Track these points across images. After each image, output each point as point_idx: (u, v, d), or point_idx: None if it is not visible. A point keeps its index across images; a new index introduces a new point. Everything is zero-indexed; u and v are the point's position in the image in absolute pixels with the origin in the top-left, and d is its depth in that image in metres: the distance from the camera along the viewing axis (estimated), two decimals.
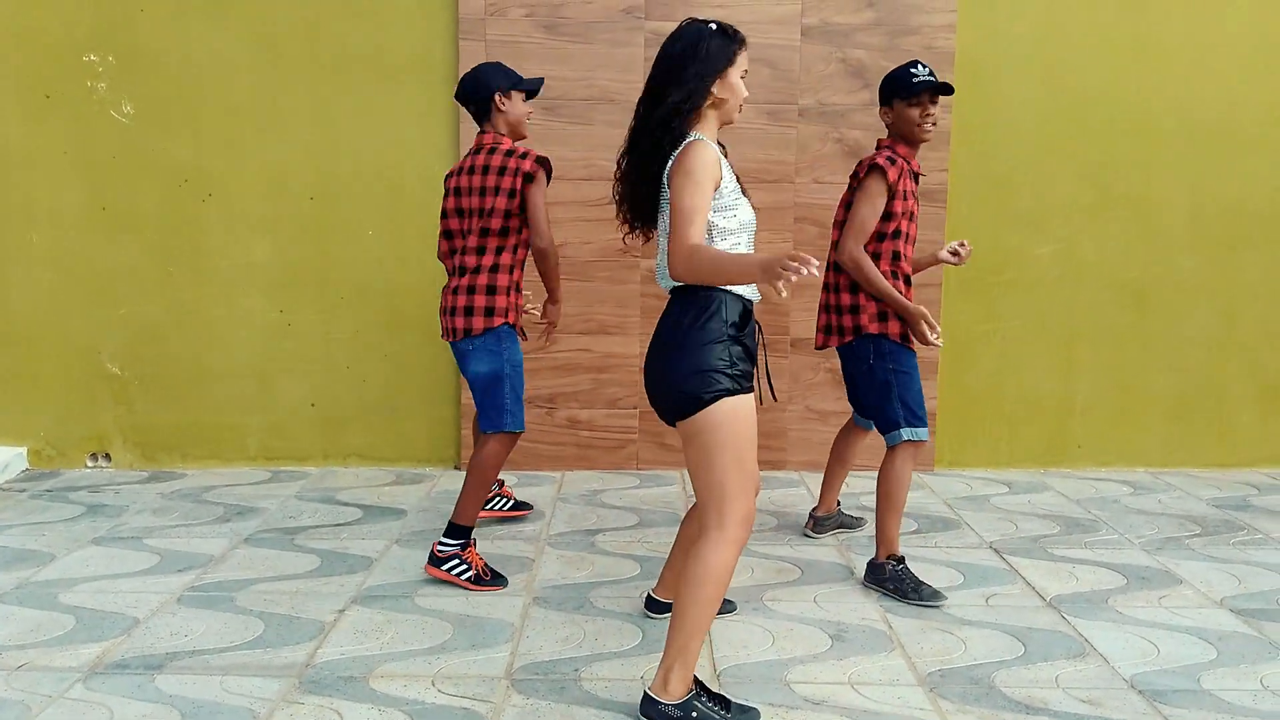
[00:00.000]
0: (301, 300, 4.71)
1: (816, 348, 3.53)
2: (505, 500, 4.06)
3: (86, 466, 4.77)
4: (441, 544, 3.34)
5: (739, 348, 2.43)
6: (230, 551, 3.63)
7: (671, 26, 4.92)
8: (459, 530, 3.34)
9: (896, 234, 3.30)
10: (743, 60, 2.51)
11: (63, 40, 4.52)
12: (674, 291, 2.49)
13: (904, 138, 3.33)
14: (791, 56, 4.60)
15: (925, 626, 3.04)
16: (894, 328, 3.30)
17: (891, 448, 3.32)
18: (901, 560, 3.30)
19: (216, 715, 2.47)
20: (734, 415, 2.38)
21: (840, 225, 3.39)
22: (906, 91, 3.26)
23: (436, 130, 4.62)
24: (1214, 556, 3.70)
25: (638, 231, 2.65)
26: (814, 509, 3.91)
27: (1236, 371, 4.95)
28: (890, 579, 3.27)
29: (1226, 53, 4.77)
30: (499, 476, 3.79)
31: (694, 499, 2.60)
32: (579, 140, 4.64)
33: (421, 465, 4.81)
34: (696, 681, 2.43)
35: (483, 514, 3.93)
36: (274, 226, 4.67)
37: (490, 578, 3.31)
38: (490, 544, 3.74)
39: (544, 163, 3.36)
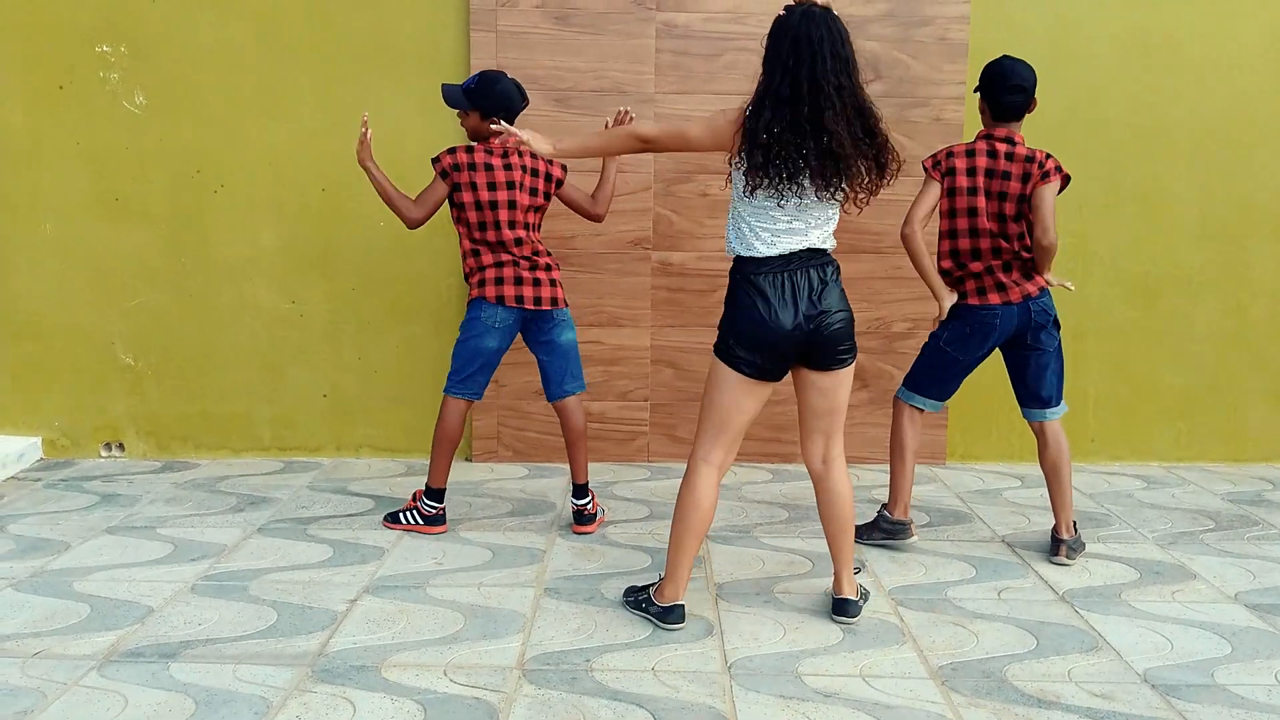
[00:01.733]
0: (312, 290, 4.72)
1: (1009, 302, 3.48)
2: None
3: (100, 456, 4.79)
4: (584, 504, 3.76)
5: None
6: (243, 541, 3.65)
7: (682, 18, 4.93)
8: (585, 486, 3.80)
9: None
10: None
11: (75, 31, 4.53)
12: (828, 254, 2.91)
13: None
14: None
15: (937, 619, 3.03)
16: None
17: (1058, 421, 3.59)
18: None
19: (230, 703, 2.48)
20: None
21: (1006, 216, 3.45)
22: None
23: (445, 121, 4.59)
24: (1228, 551, 3.68)
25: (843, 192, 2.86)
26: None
27: (1247, 367, 4.92)
28: (1081, 543, 3.59)
29: (1238, 48, 4.73)
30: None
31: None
32: (590, 131, 4.62)
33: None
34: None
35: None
36: (284, 216, 4.67)
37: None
38: (501, 535, 3.75)
39: (436, 161, 3.65)
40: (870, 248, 4.68)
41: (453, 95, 3.65)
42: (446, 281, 4.69)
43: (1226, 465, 4.92)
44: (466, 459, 4.82)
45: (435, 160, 3.65)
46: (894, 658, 2.78)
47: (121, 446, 4.79)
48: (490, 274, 3.63)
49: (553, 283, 3.70)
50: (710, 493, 2.92)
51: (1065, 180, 3.46)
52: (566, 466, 4.68)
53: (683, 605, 2.95)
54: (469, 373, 3.68)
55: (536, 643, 2.84)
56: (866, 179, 2.83)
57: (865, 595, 3.09)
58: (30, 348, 4.71)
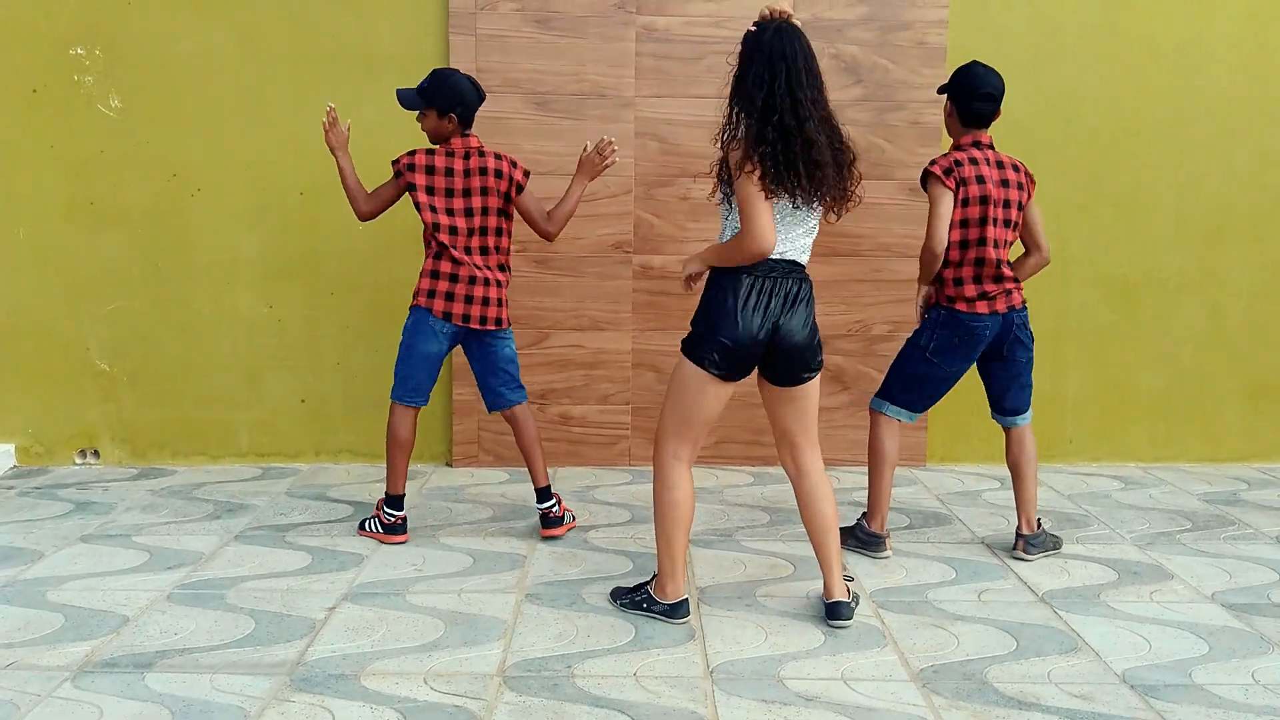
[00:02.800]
0: (291, 296, 4.68)
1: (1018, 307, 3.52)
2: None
3: (75, 463, 4.74)
4: (550, 506, 3.73)
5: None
6: (220, 549, 3.61)
7: (662, 21, 4.94)
8: (549, 490, 3.77)
9: None
10: None
11: (49, 33, 4.48)
12: (802, 269, 2.93)
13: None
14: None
15: (918, 622, 3.04)
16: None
17: (1027, 425, 3.63)
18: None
19: (207, 714, 2.45)
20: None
21: (1009, 224, 3.50)
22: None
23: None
24: (1205, 551, 3.71)
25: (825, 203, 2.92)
26: (869, 522, 3.65)
27: (1224, 368, 4.97)
28: (1049, 537, 3.64)
29: (1214, 51, 4.78)
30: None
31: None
32: (570, 135, 4.62)
33: (413, 462, 4.77)
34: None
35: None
36: (263, 221, 4.64)
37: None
38: (482, 540, 3.73)
39: (395, 161, 3.63)
40: (849, 250, 4.70)
41: (406, 96, 3.58)
42: None
43: (1203, 466, 4.96)
44: (447, 464, 4.80)
45: (395, 160, 3.62)
46: (875, 660, 2.78)
47: (96, 453, 4.74)
48: (442, 286, 3.58)
49: (500, 302, 3.65)
50: (689, 487, 2.99)
51: (1032, 181, 3.60)
52: (549, 471, 4.66)
53: (687, 599, 3.01)
54: (414, 379, 3.63)
55: (518, 649, 2.82)
56: (838, 189, 2.88)
57: (856, 598, 3.09)
58: (3, 354, 4.65)
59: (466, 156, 3.58)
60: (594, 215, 4.67)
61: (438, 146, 3.62)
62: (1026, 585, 3.35)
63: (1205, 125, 4.82)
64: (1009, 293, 3.48)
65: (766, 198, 2.78)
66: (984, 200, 3.42)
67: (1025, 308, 3.54)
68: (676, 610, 2.99)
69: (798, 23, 2.86)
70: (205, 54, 4.53)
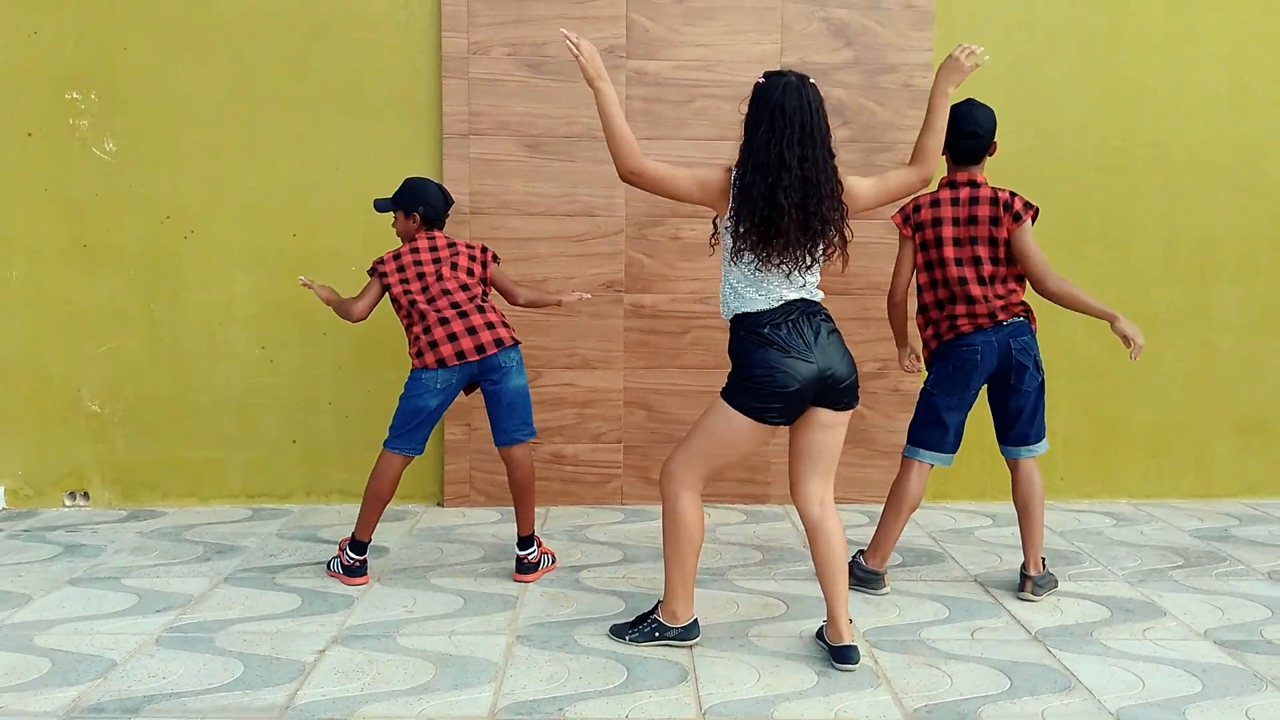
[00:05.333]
0: (283, 336, 4.70)
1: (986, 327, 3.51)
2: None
3: (64, 505, 4.71)
4: (526, 554, 3.72)
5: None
6: (210, 591, 3.59)
7: (653, 65, 5.02)
8: (530, 538, 3.74)
9: None
10: None
11: (45, 77, 4.53)
12: (817, 304, 2.98)
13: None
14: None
15: (911, 661, 3.03)
16: None
17: (1034, 460, 3.60)
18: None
19: None
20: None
21: (981, 259, 3.49)
22: None
23: (418, 166, 4.64)
24: (1197, 588, 3.71)
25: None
26: (871, 557, 3.64)
27: (1213, 404, 5.00)
28: (1054, 578, 3.63)
29: (1199, 91, 4.86)
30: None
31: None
32: (562, 176, 4.67)
33: (404, 502, 4.78)
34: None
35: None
36: (255, 262, 4.66)
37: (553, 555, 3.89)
38: (473, 581, 3.71)
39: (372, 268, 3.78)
40: (840, 289, 4.73)
41: (380, 203, 3.87)
42: None
43: (1194, 501, 4.97)
44: (438, 504, 4.78)
45: (371, 267, 3.78)
46: (869, 701, 2.77)
47: (86, 495, 4.72)
48: (424, 340, 3.62)
49: (489, 325, 3.65)
50: (699, 514, 3.07)
51: (1035, 213, 3.52)
52: (542, 510, 4.67)
53: (698, 618, 3.12)
54: (409, 429, 3.65)
55: (509, 692, 2.80)
56: (798, 255, 2.91)
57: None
58: None
59: (433, 245, 3.76)
60: (586, 255, 4.70)
61: (404, 245, 3.79)
62: (1020, 624, 3.34)
63: (1190, 163, 4.89)
64: (994, 312, 3.49)
65: (737, 254, 2.93)
66: (939, 242, 3.50)
67: (1027, 329, 3.54)
68: (689, 632, 3.09)
69: (806, 75, 2.94)
70: (199, 98, 4.58)
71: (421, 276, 3.69)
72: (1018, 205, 3.49)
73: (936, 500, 4.90)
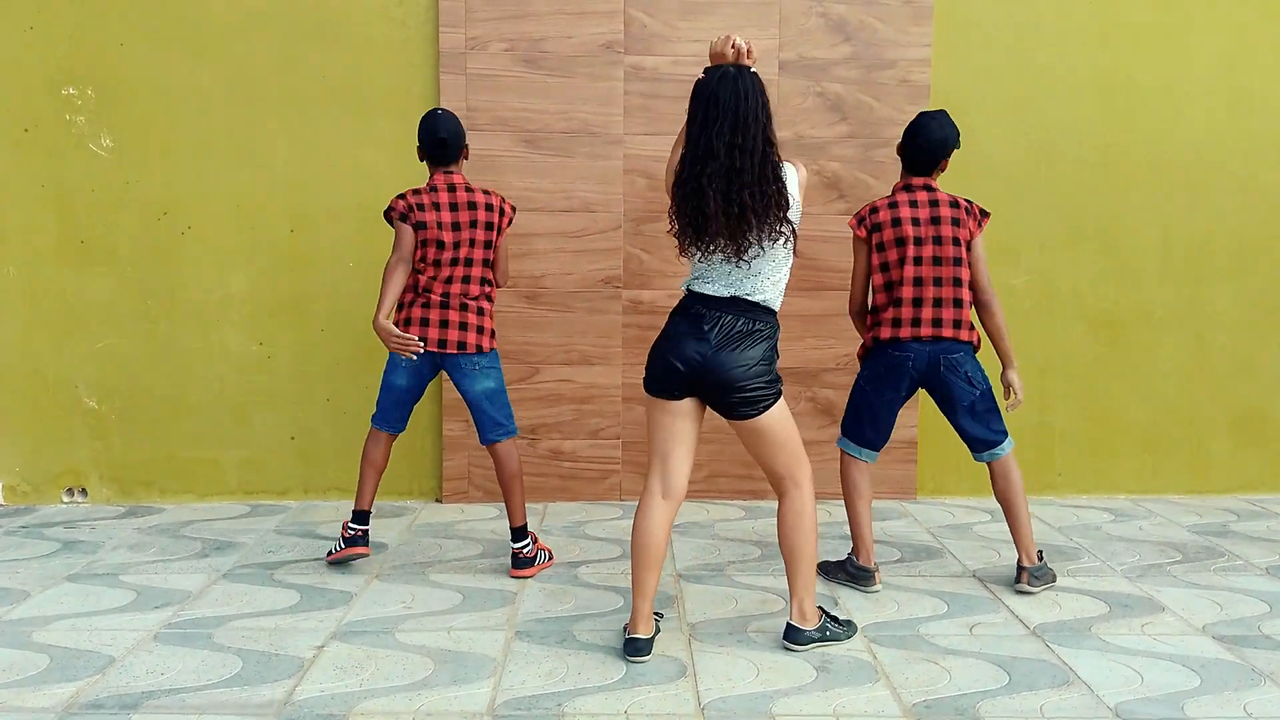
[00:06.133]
0: (280, 332, 4.69)
1: (929, 337, 3.53)
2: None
3: (62, 502, 4.70)
4: (520, 548, 3.72)
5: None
6: (208, 587, 3.58)
7: (650, 61, 5.02)
8: (524, 530, 3.75)
9: None
10: None
11: (42, 74, 4.52)
12: (757, 307, 2.94)
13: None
14: (769, 91, 4.64)
15: (910, 657, 3.03)
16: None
17: (1006, 456, 3.58)
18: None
19: None
20: (784, 410, 3.03)
21: (951, 260, 3.51)
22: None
23: (414, 162, 4.59)
24: (1195, 583, 3.72)
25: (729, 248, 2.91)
26: (859, 559, 3.63)
27: (1209, 400, 5.00)
28: (1051, 571, 3.63)
29: (1194, 89, 4.86)
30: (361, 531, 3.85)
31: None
32: (559, 172, 4.66)
33: (402, 498, 4.77)
34: (819, 607, 3.10)
35: (356, 550, 3.80)
36: (252, 259, 4.65)
37: (550, 551, 3.89)
38: (472, 577, 3.71)
39: (390, 210, 3.67)
40: (837, 284, 4.73)
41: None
42: None
43: (1191, 497, 4.98)
44: (436, 500, 4.78)
45: (389, 210, 3.64)
46: (867, 696, 2.77)
47: (84, 492, 4.71)
48: (402, 314, 3.65)
49: (462, 325, 3.63)
50: (655, 524, 2.99)
51: (986, 217, 3.59)
52: (540, 506, 4.67)
53: (642, 637, 2.97)
54: (383, 406, 3.75)
55: (507, 687, 2.80)
56: (732, 241, 2.88)
57: (826, 630, 3.08)
58: None
59: (452, 190, 3.64)
60: (584, 251, 4.70)
61: (424, 186, 3.69)
62: (1018, 619, 3.35)
63: (1185, 162, 4.89)
64: (938, 323, 3.50)
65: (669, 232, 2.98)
66: (900, 242, 3.51)
67: (967, 349, 3.52)
68: (625, 646, 2.98)
69: (751, 65, 2.93)
70: (196, 94, 4.57)
71: (441, 246, 3.60)
72: (976, 209, 3.55)
73: (935, 496, 4.91)
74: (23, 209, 4.57)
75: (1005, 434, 3.60)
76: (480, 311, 3.68)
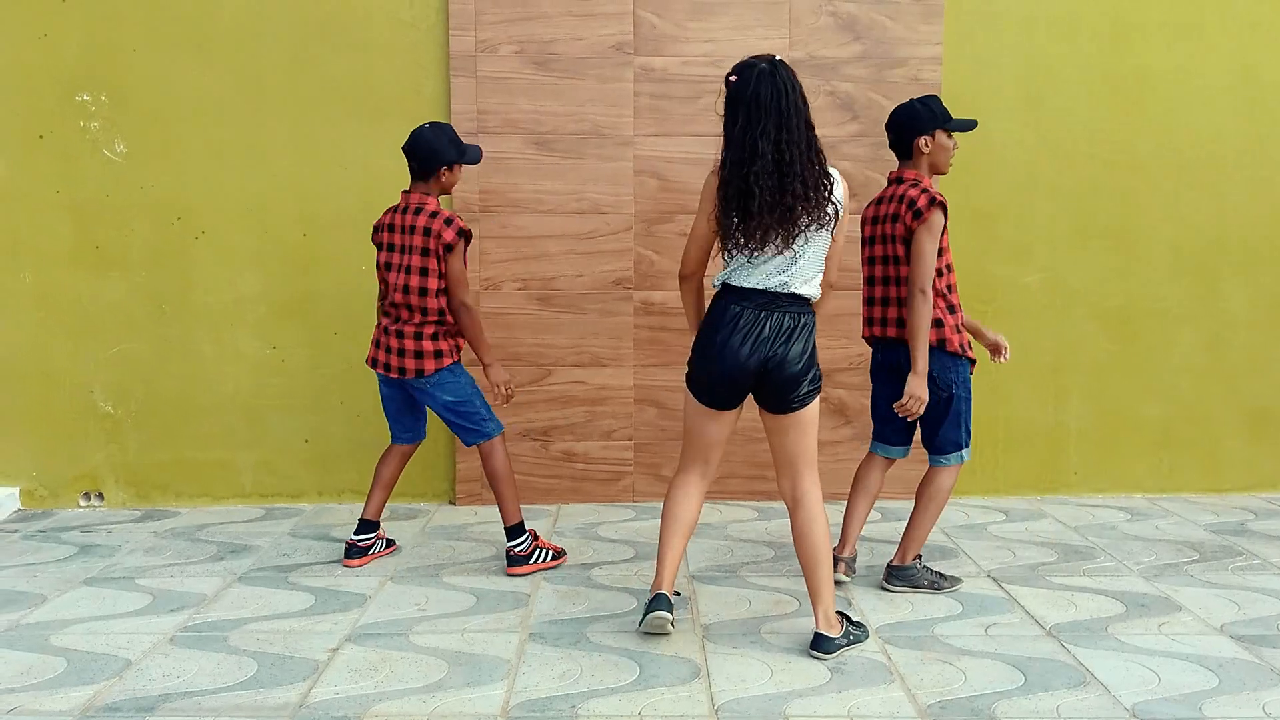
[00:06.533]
0: (293, 335, 4.71)
1: (869, 338, 3.59)
2: (383, 543, 4.00)
3: (79, 506, 4.74)
4: (515, 545, 3.73)
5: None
6: (224, 590, 3.60)
7: (660, 62, 5.02)
8: (518, 529, 3.75)
9: (949, 266, 3.47)
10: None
11: (55, 80, 4.55)
12: (800, 300, 2.98)
13: (934, 168, 3.49)
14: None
15: (925, 658, 3.02)
16: (971, 352, 3.49)
17: (946, 467, 3.50)
18: (920, 557, 3.51)
19: None
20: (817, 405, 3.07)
21: (891, 260, 3.46)
22: (950, 121, 3.46)
23: None
24: (1213, 582, 3.69)
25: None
26: (838, 552, 3.61)
27: (1224, 398, 4.96)
28: (922, 576, 3.51)
29: (1208, 86, 4.82)
30: (378, 519, 4.00)
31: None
32: (571, 174, 4.67)
33: (416, 500, 4.79)
34: (839, 613, 3.07)
35: (361, 561, 3.88)
36: (265, 262, 4.67)
37: (557, 552, 3.86)
38: (485, 579, 3.72)
39: (465, 234, 3.64)
40: (851, 284, 4.70)
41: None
42: None
43: (1208, 496, 4.94)
44: (450, 502, 4.79)
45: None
46: (882, 697, 2.76)
47: (100, 496, 4.74)
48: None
49: (401, 352, 3.64)
50: (687, 500, 3.13)
51: (942, 208, 3.32)
52: (553, 508, 4.68)
53: (663, 595, 3.04)
54: (388, 418, 3.90)
55: (521, 689, 2.80)
56: (781, 235, 2.91)
57: (850, 635, 3.06)
58: (7, 397, 4.66)
59: (404, 211, 3.67)
60: (595, 252, 4.70)
61: (397, 205, 3.76)
62: (1033, 619, 3.33)
63: (1198, 158, 4.85)
64: (884, 323, 3.51)
65: (714, 232, 3.02)
66: (871, 240, 3.54)
67: (933, 346, 3.37)
68: (648, 605, 3.07)
69: (784, 61, 2.95)
70: (208, 99, 4.59)
71: (388, 268, 3.69)
72: (921, 201, 3.31)
73: (950, 496, 4.87)
74: (37, 215, 4.60)
75: (958, 448, 3.50)
76: (418, 335, 3.63)
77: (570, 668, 2.94)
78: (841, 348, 4.78)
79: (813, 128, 2.95)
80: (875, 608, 3.43)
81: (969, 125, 3.55)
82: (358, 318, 4.69)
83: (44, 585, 3.66)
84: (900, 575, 3.54)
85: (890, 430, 3.63)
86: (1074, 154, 4.82)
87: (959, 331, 3.44)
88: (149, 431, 4.71)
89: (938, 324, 3.38)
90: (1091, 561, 3.93)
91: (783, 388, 2.98)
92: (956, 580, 3.60)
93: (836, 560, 3.58)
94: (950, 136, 3.47)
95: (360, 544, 3.87)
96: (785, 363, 2.95)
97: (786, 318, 2.97)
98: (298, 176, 4.63)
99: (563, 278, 4.71)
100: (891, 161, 4.65)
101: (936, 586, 3.53)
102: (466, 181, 4.61)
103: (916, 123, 3.44)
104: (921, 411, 3.33)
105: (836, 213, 2.97)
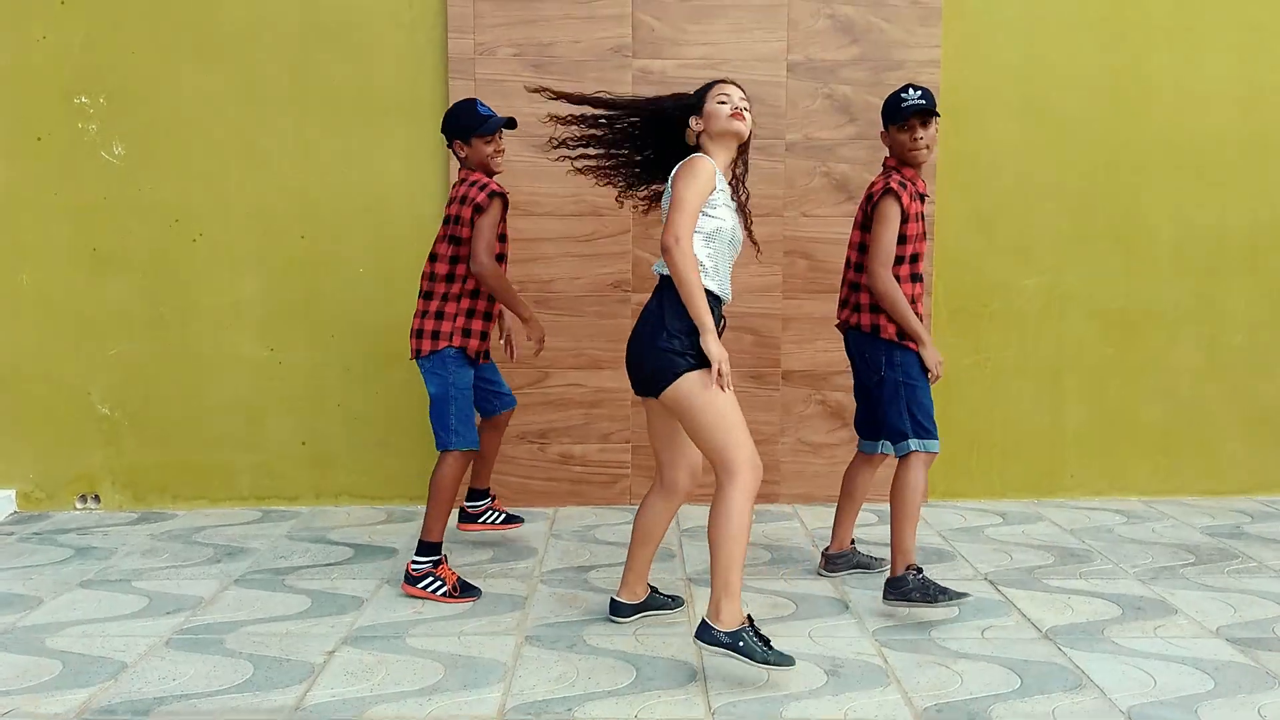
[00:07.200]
0: (291, 338, 4.71)
1: (836, 325, 3.65)
2: (497, 514, 4.11)
3: (75, 508, 4.73)
4: (415, 563, 3.54)
5: (691, 337, 2.90)
6: (220, 593, 3.60)
7: (658, 64, 5.04)
8: (429, 547, 3.54)
9: (915, 257, 3.45)
10: (720, 90, 3.06)
11: (54, 82, 4.55)
12: (663, 279, 2.99)
13: (902, 160, 3.47)
14: (778, 93, 4.65)
15: (921, 660, 3.02)
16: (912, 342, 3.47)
17: (903, 458, 3.41)
18: (920, 569, 3.35)
19: None
20: (692, 386, 2.88)
21: (857, 247, 3.52)
22: (895, 116, 3.44)
23: (425, 168, 4.65)
24: (1209, 585, 3.69)
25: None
26: (825, 549, 3.84)
27: (1222, 401, 4.97)
28: (916, 589, 3.31)
29: (1207, 87, 4.83)
30: (490, 490, 4.09)
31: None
32: (568, 176, 4.64)
33: (413, 503, 4.79)
34: (749, 619, 2.84)
35: (475, 528, 4.08)
36: (263, 265, 4.67)
37: (461, 591, 3.51)
38: (481, 582, 3.71)
39: (498, 195, 3.53)
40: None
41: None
42: None
43: (1205, 499, 4.94)
44: None
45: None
46: (878, 700, 2.76)
47: (97, 498, 4.74)
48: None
49: (413, 331, 3.59)
50: (646, 506, 3.24)
51: (895, 196, 3.33)
52: (549, 511, 4.69)
53: (620, 602, 3.30)
54: None
55: (518, 692, 2.80)
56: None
57: (745, 647, 2.78)
58: (5, 399, 4.67)
59: (460, 183, 3.63)
60: (593, 255, 4.70)
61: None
62: (1030, 622, 3.33)
63: (1199, 160, 4.86)
64: (842, 307, 3.59)
65: None
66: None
67: (856, 332, 3.50)
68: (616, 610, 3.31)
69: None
70: (207, 101, 4.60)
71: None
72: (877, 186, 3.41)
73: (946, 498, 4.89)
74: (36, 217, 4.60)
75: (904, 437, 3.39)
76: (424, 314, 3.56)
77: (567, 670, 2.94)
78: (838, 350, 4.77)
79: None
80: (872, 610, 3.42)
81: (900, 115, 3.39)
82: (356, 320, 4.70)
83: (40, 587, 3.66)
84: (894, 588, 3.36)
85: (860, 422, 3.70)
86: (1073, 156, 4.82)
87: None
88: (146, 433, 4.71)
89: (874, 309, 3.44)
90: (1088, 564, 3.93)
91: (629, 363, 3.04)
92: (960, 595, 3.31)
93: (822, 556, 3.83)
94: (903, 130, 3.41)
95: (469, 509, 3.93)
96: (631, 343, 3.03)
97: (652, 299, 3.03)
98: (296, 178, 4.64)
99: (560, 280, 4.71)
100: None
101: (929, 599, 3.29)
102: None
103: (885, 113, 3.51)
104: (941, 374, 3.45)
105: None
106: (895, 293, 3.36)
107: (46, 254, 4.62)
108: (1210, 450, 4.99)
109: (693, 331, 2.89)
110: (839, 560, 3.80)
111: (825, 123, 4.70)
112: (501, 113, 4.60)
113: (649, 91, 4.64)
